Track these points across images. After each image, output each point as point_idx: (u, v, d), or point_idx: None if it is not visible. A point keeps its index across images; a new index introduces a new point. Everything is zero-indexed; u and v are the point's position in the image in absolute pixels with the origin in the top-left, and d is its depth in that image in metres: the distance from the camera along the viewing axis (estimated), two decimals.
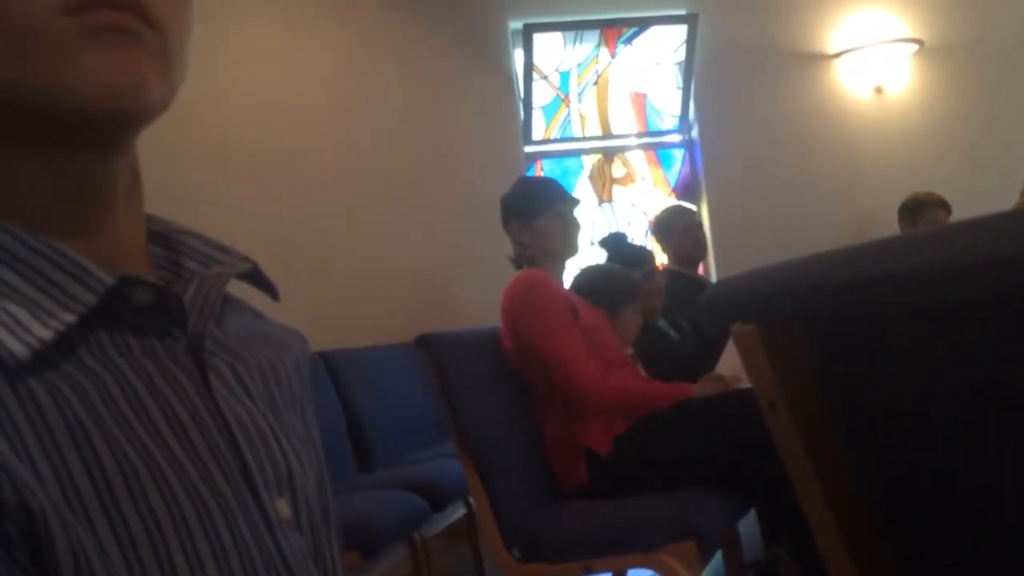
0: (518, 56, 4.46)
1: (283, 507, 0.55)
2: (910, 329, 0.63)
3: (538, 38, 4.44)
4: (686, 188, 4.71)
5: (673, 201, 4.53)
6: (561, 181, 3.19)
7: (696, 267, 3.84)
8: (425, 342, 2.11)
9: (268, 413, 0.58)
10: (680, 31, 4.55)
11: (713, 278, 4.38)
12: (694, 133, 4.66)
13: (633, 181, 4.71)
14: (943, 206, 3.99)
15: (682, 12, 4.55)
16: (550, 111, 4.61)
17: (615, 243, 3.29)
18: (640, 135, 4.72)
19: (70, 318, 0.48)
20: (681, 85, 4.63)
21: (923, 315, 0.61)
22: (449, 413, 2.11)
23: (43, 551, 0.42)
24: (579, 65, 4.62)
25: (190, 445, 0.50)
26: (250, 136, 4.03)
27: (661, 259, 3.71)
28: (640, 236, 4.53)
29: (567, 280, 2.67)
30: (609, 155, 4.70)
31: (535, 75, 4.50)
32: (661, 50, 4.63)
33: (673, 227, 3.70)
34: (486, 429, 2.15)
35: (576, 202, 2.62)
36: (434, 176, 4.23)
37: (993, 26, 4.75)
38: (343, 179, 4.14)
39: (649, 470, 2.23)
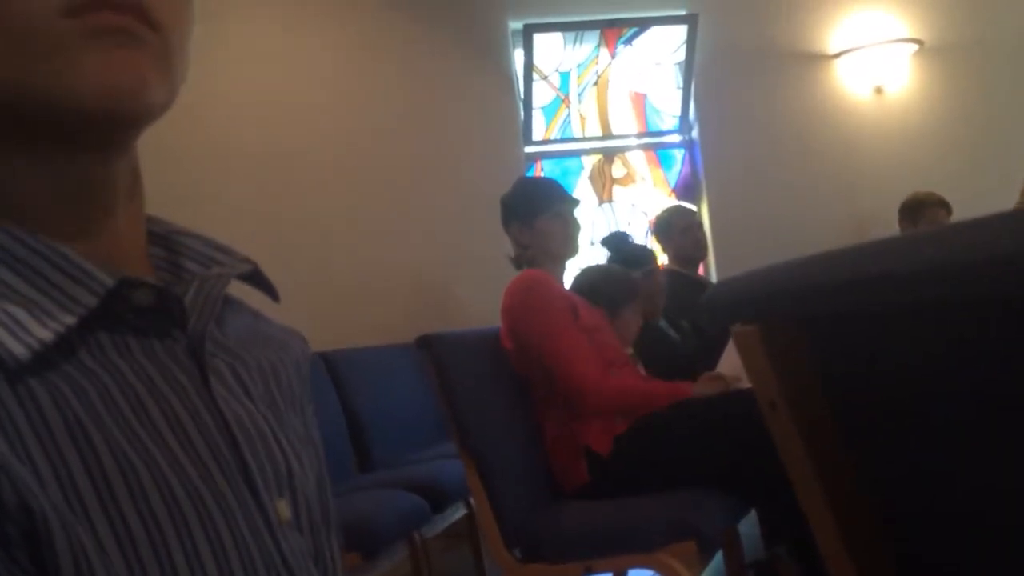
0: (518, 56, 4.46)
1: (283, 507, 0.55)
2: (910, 329, 0.63)
3: (538, 38, 4.44)
4: (686, 188, 4.71)
5: (673, 201, 4.53)
6: (561, 181, 3.19)
7: (696, 267, 3.84)
8: (426, 342, 2.11)
9: (268, 414, 0.58)
10: (680, 31, 4.55)
11: (713, 278, 4.38)
12: (694, 133, 4.66)
13: (633, 181, 4.71)
14: (943, 206, 3.98)
15: (682, 12, 4.55)
16: (550, 111, 4.61)
17: (617, 242, 3.29)
18: (640, 135, 4.72)
19: (70, 319, 0.48)
20: (681, 85, 4.63)
21: (923, 315, 0.61)
22: (449, 413, 2.11)
23: (43, 551, 0.42)
24: (579, 65, 4.62)
25: (190, 445, 0.50)
26: (250, 136, 4.04)
27: (662, 259, 3.71)
28: (640, 236, 4.53)
29: (567, 280, 2.67)
30: (609, 155, 4.70)
31: (535, 75, 4.50)
32: (661, 50, 4.63)
33: (673, 227, 3.70)
34: (486, 429, 2.15)
35: (576, 202, 2.62)
36: (434, 176, 4.23)
37: (993, 26, 4.75)
38: (343, 179, 4.14)
39: (649, 470, 2.23)
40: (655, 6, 4.56)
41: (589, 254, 4.14)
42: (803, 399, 0.75)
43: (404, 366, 3.61)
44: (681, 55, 4.58)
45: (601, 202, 4.66)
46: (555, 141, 4.62)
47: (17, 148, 0.49)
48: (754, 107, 4.60)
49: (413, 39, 4.27)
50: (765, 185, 4.53)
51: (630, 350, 2.80)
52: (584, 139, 4.65)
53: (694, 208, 4.16)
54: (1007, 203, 3.31)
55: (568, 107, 4.63)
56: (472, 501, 2.81)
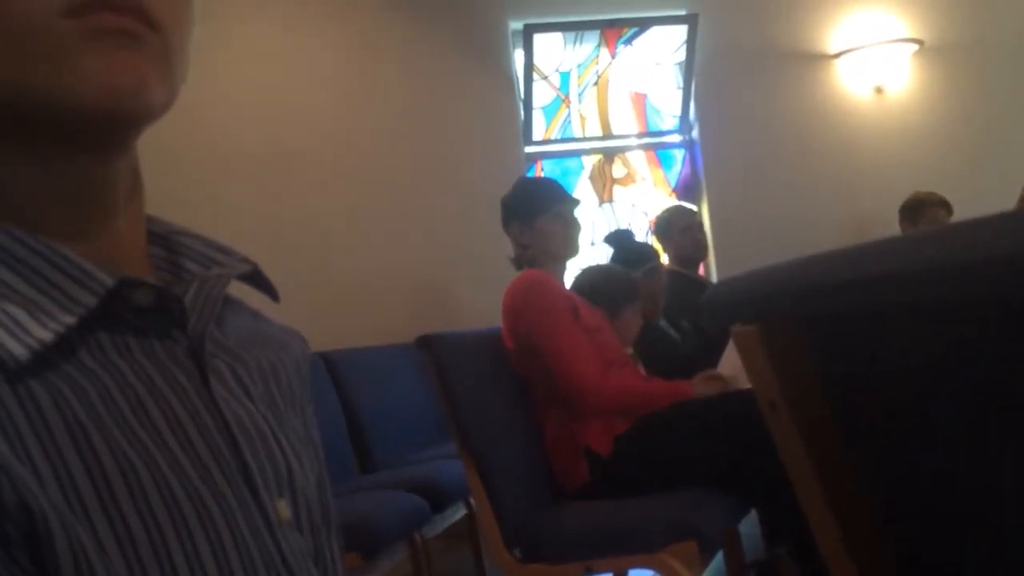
0: (518, 56, 4.46)
1: (283, 508, 0.55)
2: (910, 329, 0.63)
3: (538, 38, 4.44)
4: (686, 188, 4.71)
5: (674, 201, 4.53)
6: (561, 181, 3.19)
7: (696, 267, 3.84)
8: (426, 342, 2.11)
9: (268, 414, 0.58)
10: (680, 31, 4.55)
11: (713, 278, 4.38)
12: (694, 133, 4.66)
13: (633, 181, 4.71)
14: (944, 206, 3.98)
15: (682, 12, 4.55)
16: (550, 111, 4.61)
17: (620, 240, 3.29)
18: (640, 135, 4.71)
19: (70, 319, 0.48)
20: (681, 85, 4.63)
21: (923, 315, 0.61)
22: (450, 413, 2.11)
23: (43, 551, 0.42)
24: (579, 65, 4.62)
25: (190, 446, 0.50)
26: (250, 136, 4.04)
27: (663, 259, 3.71)
28: (641, 236, 4.52)
29: (568, 280, 2.67)
30: (609, 155, 4.70)
31: (535, 75, 4.50)
32: (661, 50, 4.63)
33: (673, 227, 3.70)
34: (487, 429, 2.15)
35: (576, 203, 2.62)
36: (434, 176, 4.23)
37: (993, 26, 4.75)
38: (343, 179, 4.14)
39: (649, 470, 2.23)
40: (655, 6, 4.56)
41: (589, 254, 4.14)
42: (803, 399, 0.75)
43: (404, 366, 3.61)
44: (681, 55, 4.58)
45: (601, 202, 4.66)
46: (555, 141, 4.62)
47: (17, 148, 0.49)
48: (754, 107, 4.60)
49: (413, 39, 4.27)
50: (765, 185, 4.53)
51: (630, 350, 2.80)
52: (584, 139, 4.65)
53: (694, 208, 4.16)
54: (1007, 203, 3.31)
55: (568, 107, 4.63)
56: (472, 501, 2.81)
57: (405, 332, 2.94)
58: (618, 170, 4.70)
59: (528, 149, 4.51)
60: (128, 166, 0.55)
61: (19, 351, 0.45)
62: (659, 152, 4.74)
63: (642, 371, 2.81)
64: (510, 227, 2.58)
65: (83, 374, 0.48)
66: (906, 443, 0.71)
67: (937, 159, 4.59)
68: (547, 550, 2.07)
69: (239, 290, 0.61)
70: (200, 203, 3.68)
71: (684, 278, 3.58)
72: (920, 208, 4.01)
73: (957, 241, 0.50)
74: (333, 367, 3.40)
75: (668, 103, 4.68)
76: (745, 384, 2.21)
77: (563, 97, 4.62)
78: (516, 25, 4.44)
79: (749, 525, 2.40)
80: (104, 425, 0.47)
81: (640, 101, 4.70)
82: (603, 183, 4.68)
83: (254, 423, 0.55)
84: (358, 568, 2.24)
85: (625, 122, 4.69)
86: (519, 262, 2.56)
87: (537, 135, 4.56)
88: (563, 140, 4.63)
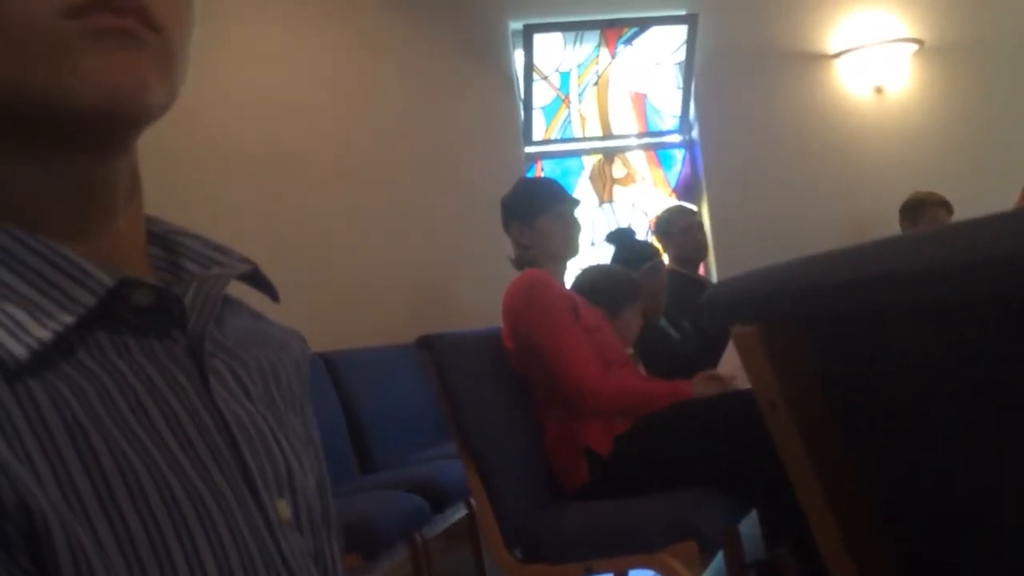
0: (518, 56, 4.46)
1: (283, 508, 0.55)
2: (910, 329, 0.63)
3: (538, 38, 4.44)
4: (686, 188, 4.70)
5: (674, 201, 4.53)
6: (561, 182, 3.19)
7: (696, 267, 3.84)
8: (426, 343, 2.12)
9: (268, 414, 0.58)
10: (680, 31, 4.55)
11: (713, 278, 4.38)
12: (694, 133, 4.66)
13: (634, 181, 4.71)
14: (944, 206, 3.98)
15: (682, 12, 4.55)
16: (550, 111, 4.61)
17: (621, 238, 3.29)
18: (640, 135, 4.72)
19: (69, 319, 0.48)
20: (681, 85, 4.63)
21: (923, 315, 0.61)
22: (450, 413, 2.11)
23: (43, 551, 0.42)
24: (579, 65, 4.62)
25: (189, 446, 0.50)
26: (250, 136, 4.04)
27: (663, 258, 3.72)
28: (641, 236, 4.52)
29: (568, 280, 2.67)
30: (609, 155, 4.70)
31: (535, 75, 4.50)
32: (661, 50, 4.63)
33: (674, 227, 3.70)
34: (487, 429, 2.15)
35: (576, 203, 2.62)
36: (434, 176, 4.23)
37: (993, 26, 4.75)
38: (343, 179, 4.14)
39: (650, 470, 2.23)
40: (655, 6, 4.56)
41: (589, 254, 4.14)
42: (803, 399, 0.75)
43: (404, 366, 3.61)
44: (681, 55, 4.58)
45: (601, 202, 4.66)
46: (555, 141, 4.62)
47: (17, 148, 0.49)
48: (754, 107, 4.60)
49: (413, 39, 4.27)
50: (765, 185, 4.53)
51: (630, 350, 2.80)
52: (584, 139, 4.65)
53: (694, 208, 4.16)
54: (1007, 203, 3.31)
55: (568, 107, 4.63)
56: (472, 501, 2.81)
57: (405, 332, 2.94)
58: (618, 170, 4.70)
59: (528, 149, 4.51)
60: (128, 166, 0.55)
61: (18, 351, 0.45)
62: (659, 152, 4.74)
63: (642, 371, 2.81)
64: (510, 227, 2.58)
65: (82, 374, 0.48)
66: (906, 443, 0.71)
67: (937, 159, 4.59)
68: (547, 550, 2.07)
69: (239, 290, 0.61)
70: (200, 203, 3.69)
71: (684, 278, 3.58)
72: (920, 208, 4.01)
73: (957, 241, 0.50)
74: (333, 367, 3.40)
75: (668, 103, 4.68)
76: (745, 384, 2.21)
77: (563, 97, 4.62)
78: (516, 25, 4.44)
79: (749, 525, 2.40)
80: (103, 425, 0.47)
81: (640, 101, 4.70)
82: (603, 183, 4.68)
83: (254, 423, 0.55)
84: (358, 568, 2.24)
85: (625, 122, 4.69)
86: (519, 262, 2.56)
87: (537, 135, 4.56)
88: (563, 140, 4.63)
